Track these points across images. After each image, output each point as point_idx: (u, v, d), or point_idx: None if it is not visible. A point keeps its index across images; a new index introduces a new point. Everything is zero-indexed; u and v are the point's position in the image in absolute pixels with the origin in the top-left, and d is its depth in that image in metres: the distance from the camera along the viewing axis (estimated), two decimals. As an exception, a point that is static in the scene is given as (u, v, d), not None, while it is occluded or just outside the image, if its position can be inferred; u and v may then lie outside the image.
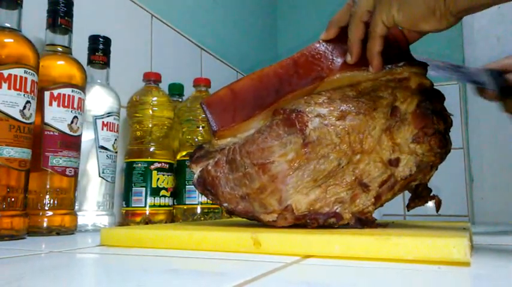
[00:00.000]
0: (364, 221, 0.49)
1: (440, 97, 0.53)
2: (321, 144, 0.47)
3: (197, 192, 0.84)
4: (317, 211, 0.48)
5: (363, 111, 0.49)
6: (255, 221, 0.56)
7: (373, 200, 0.50)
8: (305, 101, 0.49)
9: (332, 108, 0.48)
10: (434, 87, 0.53)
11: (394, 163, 0.49)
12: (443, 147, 0.50)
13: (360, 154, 0.49)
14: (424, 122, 0.49)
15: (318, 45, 0.52)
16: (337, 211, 0.48)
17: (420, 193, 0.55)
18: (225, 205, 0.50)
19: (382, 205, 0.53)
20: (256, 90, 0.51)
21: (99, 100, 0.72)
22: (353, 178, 0.49)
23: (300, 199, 0.48)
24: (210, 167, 0.50)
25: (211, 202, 0.84)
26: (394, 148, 0.49)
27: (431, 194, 0.55)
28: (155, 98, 0.84)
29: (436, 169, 0.53)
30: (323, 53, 0.52)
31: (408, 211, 0.57)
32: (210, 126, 0.51)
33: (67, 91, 0.62)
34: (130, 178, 0.81)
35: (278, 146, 0.47)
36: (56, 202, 0.60)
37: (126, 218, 0.81)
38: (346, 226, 0.49)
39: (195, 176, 0.52)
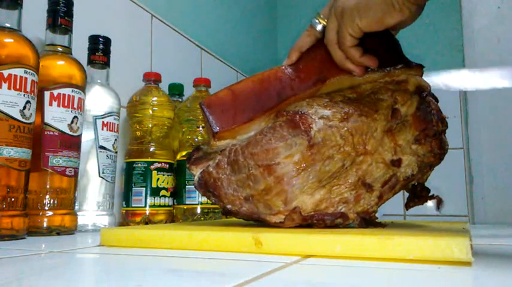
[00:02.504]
0: (368, 221, 0.50)
1: (435, 99, 0.54)
2: (325, 145, 0.48)
3: (197, 192, 0.84)
4: (322, 211, 0.49)
5: (365, 113, 0.49)
6: (255, 222, 0.56)
7: (376, 200, 0.50)
8: (307, 103, 0.50)
9: (335, 110, 0.49)
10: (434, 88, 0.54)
11: (397, 163, 0.50)
12: (443, 148, 0.52)
13: (363, 155, 0.49)
14: (425, 124, 0.51)
15: (318, 49, 0.53)
16: (342, 211, 0.49)
17: (419, 193, 0.56)
18: (229, 207, 0.50)
19: (382, 204, 0.54)
20: (257, 93, 0.51)
21: (99, 100, 0.72)
22: (356, 179, 0.49)
23: (306, 200, 0.48)
24: (211, 169, 0.50)
25: (211, 202, 0.84)
26: (396, 149, 0.50)
27: (432, 194, 0.56)
28: (155, 98, 0.84)
29: (432, 169, 0.54)
30: (323, 54, 0.52)
31: (407, 210, 0.58)
32: (210, 127, 0.51)
33: (67, 91, 0.62)
34: (131, 178, 0.81)
35: (283, 148, 0.47)
36: (56, 202, 0.60)
37: (126, 218, 0.81)
38: (350, 225, 0.50)
39: (196, 177, 0.52)
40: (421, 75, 0.53)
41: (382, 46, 0.52)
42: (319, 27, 0.52)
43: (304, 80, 0.51)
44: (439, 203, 0.57)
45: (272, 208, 0.48)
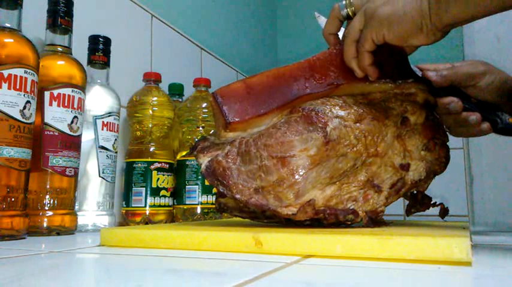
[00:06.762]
0: (375, 221, 0.51)
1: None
2: (340, 143, 0.49)
3: (197, 192, 0.84)
4: (333, 207, 0.49)
5: (377, 117, 0.51)
6: (255, 221, 0.56)
7: (384, 200, 0.52)
8: (322, 102, 0.51)
9: (349, 111, 0.50)
10: None
11: (406, 167, 0.53)
12: (448, 157, 0.55)
13: (373, 156, 0.51)
14: (433, 133, 0.54)
15: (334, 51, 0.54)
16: (351, 208, 0.50)
17: (421, 200, 0.58)
18: (238, 196, 0.48)
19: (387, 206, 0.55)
20: (271, 88, 0.52)
21: (99, 100, 0.72)
22: (365, 179, 0.51)
23: (317, 194, 0.49)
24: (220, 158, 0.49)
25: (211, 202, 0.84)
26: (405, 153, 0.53)
27: (435, 201, 0.58)
28: (155, 98, 0.84)
29: (434, 178, 0.57)
30: (339, 60, 0.53)
31: (408, 216, 0.59)
32: (222, 117, 0.50)
33: (67, 91, 0.62)
34: (131, 178, 0.81)
35: (299, 141, 0.48)
36: (56, 202, 0.60)
37: (126, 218, 0.81)
38: (358, 224, 0.51)
39: (203, 166, 0.50)
40: (429, 91, 0.54)
41: (394, 60, 0.53)
42: (343, 12, 0.53)
43: (319, 80, 0.52)
44: (444, 211, 0.58)
45: (283, 200, 0.48)
